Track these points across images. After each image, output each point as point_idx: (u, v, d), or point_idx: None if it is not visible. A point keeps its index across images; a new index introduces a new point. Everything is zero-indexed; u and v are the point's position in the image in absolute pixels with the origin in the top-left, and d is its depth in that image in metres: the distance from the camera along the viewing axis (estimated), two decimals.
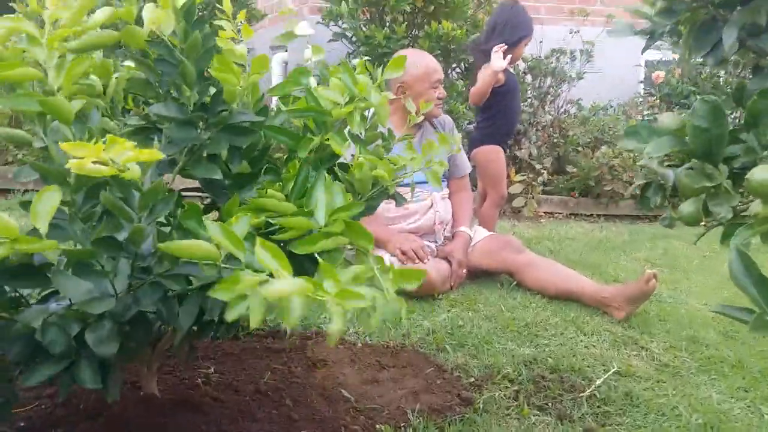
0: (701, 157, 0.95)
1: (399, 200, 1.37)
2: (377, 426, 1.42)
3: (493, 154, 3.16)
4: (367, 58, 1.49)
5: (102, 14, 1.29)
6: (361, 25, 4.23)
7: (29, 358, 0.93)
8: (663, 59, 6.22)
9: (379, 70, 1.35)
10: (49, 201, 0.76)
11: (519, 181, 4.33)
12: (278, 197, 1.17)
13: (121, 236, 0.89)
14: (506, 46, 2.97)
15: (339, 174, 1.26)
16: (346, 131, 1.32)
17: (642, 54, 1.31)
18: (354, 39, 4.30)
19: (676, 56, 6.04)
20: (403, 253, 2.46)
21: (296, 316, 0.70)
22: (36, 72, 0.99)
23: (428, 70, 2.69)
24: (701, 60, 1.19)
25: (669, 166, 1.13)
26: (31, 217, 0.75)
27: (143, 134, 1.32)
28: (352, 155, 1.36)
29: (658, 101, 5.84)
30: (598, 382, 1.81)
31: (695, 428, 1.66)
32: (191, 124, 1.25)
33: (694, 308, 2.60)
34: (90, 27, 1.25)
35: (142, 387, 1.36)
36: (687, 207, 1.02)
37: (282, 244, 1.11)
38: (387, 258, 2.50)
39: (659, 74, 5.96)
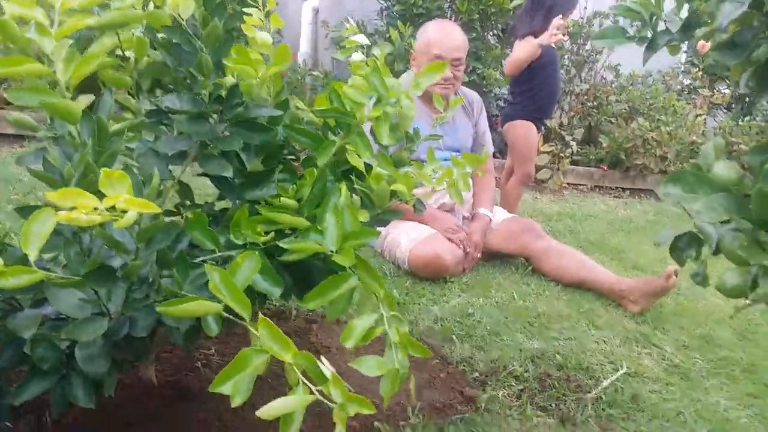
0: (763, 227, 0.83)
1: (419, 208, 1.33)
2: (375, 423, 1.43)
3: (523, 130, 3.07)
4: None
5: None
6: None
7: (18, 365, 0.93)
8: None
9: (406, 76, 1.30)
10: (43, 224, 0.74)
11: (546, 152, 4.24)
12: (291, 206, 1.14)
13: (117, 262, 0.87)
14: (562, 18, 2.82)
15: (355, 183, 1.22)
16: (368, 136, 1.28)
17: (643, 66, 1.18)
18: None
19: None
20: (449, 239, 2.48)
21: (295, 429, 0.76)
22: (43, 68, 0.97)
23: (428, 42, 2.55)
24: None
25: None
26: (21, 240, 0.73)
27: (156, 118, 1.29)
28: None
29: (700, 73, 5.64)
30: (605, 383, 1.79)
31: None
32: (204, 117, 1.22)
33: (712, 303, 2.56)
34: (121, 8, 1.23)
35: (140, 372, 1.37)
36: (732, 278, 0.90)
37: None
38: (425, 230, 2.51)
39: (704, 43, 5.70)
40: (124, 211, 0.75)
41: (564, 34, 2.91)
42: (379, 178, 1.23)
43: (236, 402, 0.78)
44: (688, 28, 1.09)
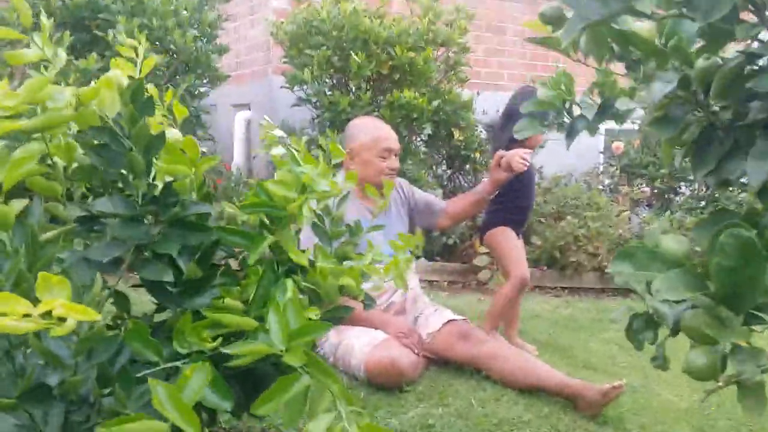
0: (725, 302, 0.78)
1: (369, 304, 1.23)
2: None
3: (502, 235, 2.95)
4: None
5: (68, 94, 1.17)
6: (326, 91, 4.15)
7: None
8: (623, 128, 6.28)
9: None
10: None
11: (484, 253, 4.24)
12: (237, 309, 1.03)
13: (53, 380, 0.74)
14: (504, 152, 2.71)
15: (300, 279, 1.12)
16: (305, 232, 1.21)
17: (567, 149, 1.17)
18: (318, 104, 4.22)
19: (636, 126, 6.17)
20: (404, 344, 2.39)
21: None
22: None
23: (376, 138, 2.63)
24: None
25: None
26: None
27: (87, 225, 1.17)
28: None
29: (618, 171, 5.89)
30: None
31: None
32: (139, 220, 1.11)
33: (667, 399, 2.50)
34: (56, 110, 1.14)
35: None
36: (698, 358, 0.85)
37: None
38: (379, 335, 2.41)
39: (619, 145, 6.01)
40: (61, 319, 0.63)
41: (531, 147, 2.81)
42: (325, 273, 1.15)
43: None
44: (603, 111, 1.09)
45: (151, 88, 1.23)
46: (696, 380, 0.87)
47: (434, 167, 4.85)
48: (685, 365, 0.87)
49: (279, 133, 1.43)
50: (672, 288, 0.81)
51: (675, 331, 0.92)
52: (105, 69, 3.90)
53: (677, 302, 0.90)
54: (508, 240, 2.96)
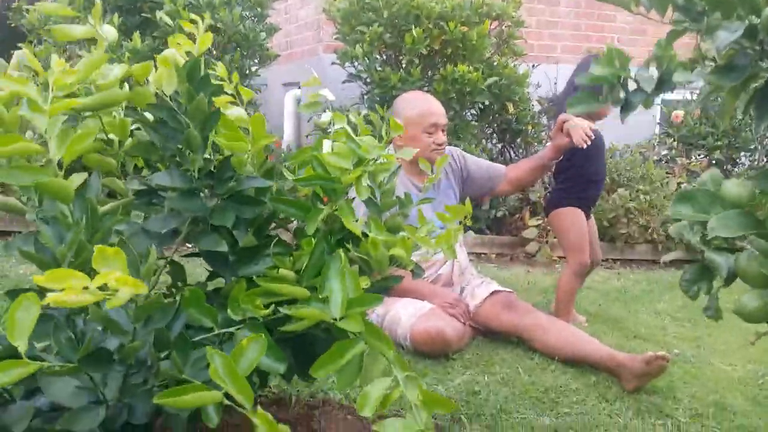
0: None
1: (417, 273, 1.28)
2: None
3: (569, 217, 2.86)
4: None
5: (118, 71, 1.23)
6: (376, 67, 4.18)
7: None
8: (683, 98, 6.12)
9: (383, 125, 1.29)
10: (27, 310, 0.68)
11: (534, 226, 4.23)
12: (290, 278, 1.09)
13: (112, 344, 0.81)
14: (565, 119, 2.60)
15: (351, 249, 1.17)
16: (354, 204, 1.25)
17: (622, 122, 1.15)
18: (368, 80, 4.26)
19: (695, 96, 6.01)
20: (450, 314, 2.43)
21: None
22: (35, 146, 0.92)
23: (422, 112, 2.60)
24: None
25: (717, 248, 0.97)
26: (7, 330, 0.66)
27: (146, 198, 1.25)
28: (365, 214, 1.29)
29: (675, 143, 5.74)
30: None
31: None
32: (196, 193, 1.18)
33: (720, 369, 2.48)
34: (106, 85, 1.20)
35: None
36: (751, 300, 0.85)
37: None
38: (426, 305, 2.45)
39: (678, 114, 5.84)
40: (116, 290, 0.69)
41: (598, 118, 2.70)
42: (377, 243, 1.19)
43: None
44: (662, 84, 1.07)
45: (221, 67, 1.28)
46: (746, 322, 0.87)
47: (484, 141, 4.84)
48: (736, 307, 0.87)
49: (328, 95, 1.47)
50: (726, 226, 0.81)
51: (729, 281, 0.92)
52: (156, 49, 4.01)
53: (732, 251, 0.91)
54: (573, 225, 2.85)
